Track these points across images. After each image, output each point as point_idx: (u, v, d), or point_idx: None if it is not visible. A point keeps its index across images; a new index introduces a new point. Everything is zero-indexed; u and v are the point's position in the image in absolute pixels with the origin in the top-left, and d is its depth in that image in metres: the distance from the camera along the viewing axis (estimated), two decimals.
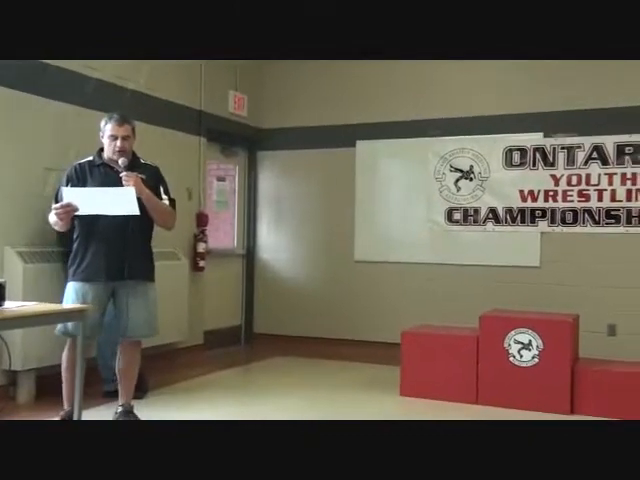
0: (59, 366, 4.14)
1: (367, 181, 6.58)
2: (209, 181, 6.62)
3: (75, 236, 3.70)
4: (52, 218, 3.60)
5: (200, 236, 6.10)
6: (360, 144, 6.58)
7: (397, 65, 6.06)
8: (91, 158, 3.75)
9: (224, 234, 6.95)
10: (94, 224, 3.60)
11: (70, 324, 3.50)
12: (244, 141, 6.97)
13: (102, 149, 3.75)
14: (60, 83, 4.68)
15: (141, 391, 4.38)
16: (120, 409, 3.76)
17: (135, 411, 3.80)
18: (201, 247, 6.09)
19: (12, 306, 3.17)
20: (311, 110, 6.75)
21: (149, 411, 3.95)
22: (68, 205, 3.48)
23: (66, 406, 3.60)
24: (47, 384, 4.27)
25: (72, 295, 3.62)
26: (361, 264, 6.57)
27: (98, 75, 4.98)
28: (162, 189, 3.79)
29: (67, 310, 3.41)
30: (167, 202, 3.78)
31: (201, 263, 6.08)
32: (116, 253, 3.63)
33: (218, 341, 6.46)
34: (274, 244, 7.00)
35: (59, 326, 3.59)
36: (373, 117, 6.49)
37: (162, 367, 5.23)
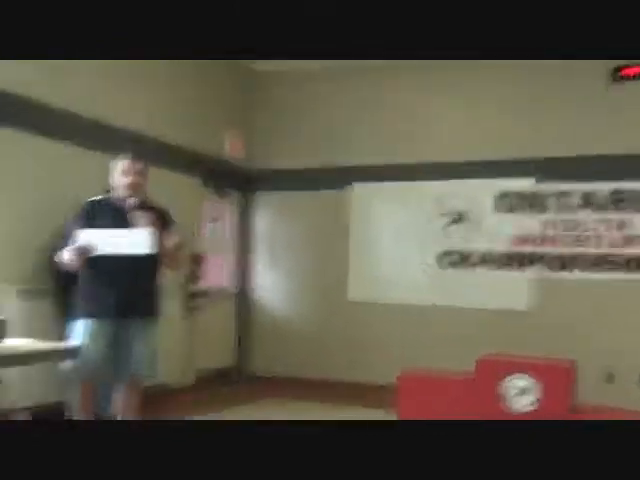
0: (54, 404, 4.09)
1: (361, 223, 6.63)
2: (204, 221, 6.63)
3: (81, 272, 3.64)
4: (65, 256, 3.55)
5: (194, 275, 6.09)
6: (356, 186, 6.64)
7: (394, 106, 6.20)
8: (99, 197, 3.76)
9: (218, 274, 6.93)
10: (104, 260, 3.57)
11: (82, 367, 3.49)
12: (238, 182, 7.01)
13: (109, 190, 3.77)
14: (56, 124, 4.70)
15: None
16: None
17: None
18: (194, 287, 6.06)
19: (11, 343, 3.13)
20: (306, 151, 6.81)
21: None
22: (84, 247, 3.49)
23: None
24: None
25: (82, 333, 3.57)
26: (354, 304, 6.56)
27: (94, 116, 5.01)
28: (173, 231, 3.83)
29: (60, 349, 3.38)
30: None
31: (194, 303, 6.05)
32: (125, 289, 3.62)
33: (210, 381, 6.38)
34: (268, 284, 6.98)
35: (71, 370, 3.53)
36: (368, 160, 6.56)
37: (154, 408, 5.14)
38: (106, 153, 4.82)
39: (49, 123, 4.64)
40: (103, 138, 5.02)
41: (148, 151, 5.47)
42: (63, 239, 3.62)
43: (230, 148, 6.67)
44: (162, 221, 3.78)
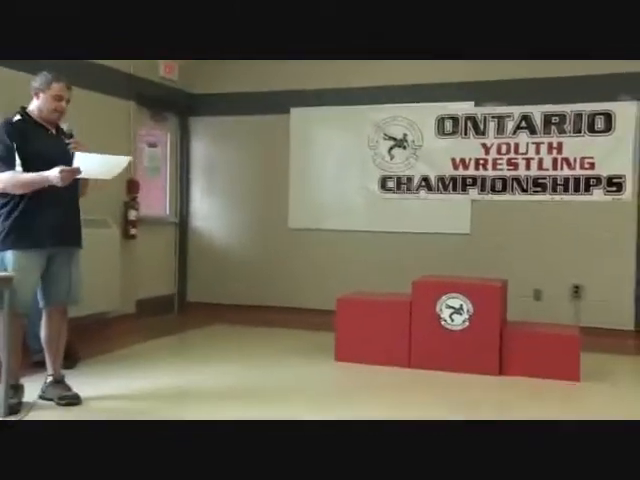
0: None
1: (301, 148, 6.56)
2: (140, 147, 6.45)
3: (10, 199, 3.44)
4: (54, 174, 3.33)
5: (131, 203, 5.97)
6: (294, 111, 6.53)
7: None
8: (19, 116, 3.52)
9: (156, 201, 6.82)
10: (40, 190, 3.41)
11: (22, 301, 3.41)
12: (175, 106, 6.81)
13: (24, 107, 3.56)
14: None
15: (71, 361, 4.28)
16: (50, 379, 3.65)
17: (66, 381, 3.70)
18: (132, 215, 5.96)
19: None
20: (245, 75, 6.63)
21: (80, 381, 3.86)
22: (77, 170, 3.36)
23: (11, 380, 3.43)
24: None
25: (16, 264, 3.43)
26: (296, 232, 6.57)
27: None
28: None
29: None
30: None
31: (132, 231, 5.96)
32: (60, 218, 3.52)
33: (151, 310, 6.37)
34: (207, 211, 6.91)
35: None
36: (307, 84, 6.44)
37: (93, 337, 5.13)
38: (28, 72, 4.60)
39: None
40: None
41: (78, 72, 5.26)
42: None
43: (164, 70, 6.43)
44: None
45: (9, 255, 3.44)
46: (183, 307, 6.91)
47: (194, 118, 6.93)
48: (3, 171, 3.39)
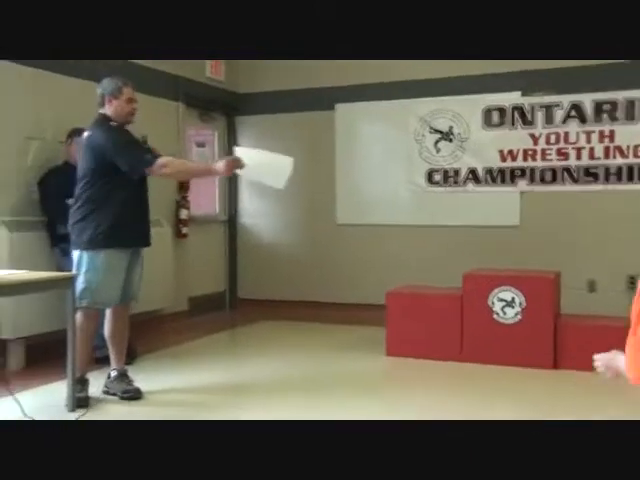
0: (48, 334, 4.16)
1: (347, 144, 6.58)
2: (188, 147, 6.57)
3: (96, 202, 3.58)
4: (220, 165, 3.56)
5: (182, 202, 6.08)
6: (339, 107, 6.56)
7: None
8: (114, 123, 3.64)
9: (206, 200, 6.93)
10: (125, 188, 3.58)
11: (100, 296, 3.56)
12: (222, 106, 6.91)
13: (102, 113, 3.68)
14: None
15: (130, 357, 4.40)
16: (114, 373, 3.79)
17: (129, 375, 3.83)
18: (183, 214, 6.08)
19: (1, 274, 3.16)
20: (289, 73, 6.68)
21: (138, 377, 3.97)
22: (239, 160, 3.54)
23: (78, 373, 3.57)
24: (37, 352, 4.29)
25: (106, 263, 3.56)
26: (343, 227, 6.60)
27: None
28: None
29: (59, 278, 3.41)
30: None
31: (184, 230, 6.08)
32: (141, 219, 3.72)
33: (203, 307, 6.49)
34: (256, 209, 6.99)
35: (82, 297, 3.54)
36: (351, 79, 6.45)
37: (148, 334, 5.26)
38: (84, 79, 4.76)
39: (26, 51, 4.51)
40: (82, 64, 4.90)
41: (128, 75, 5.39)
42: (137, 151, 3.60)
43: (210, 70, 6.53)
44: None
45: (101, 254, 3.56)
46: (234, 304, 7.01)
47: (240, 117, 7.02)
48: (155, 158, 3.54)
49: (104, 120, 3.64)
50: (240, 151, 3.59)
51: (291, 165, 3.70)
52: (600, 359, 1.94)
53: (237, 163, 3.58)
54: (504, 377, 4.28)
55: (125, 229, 3.59)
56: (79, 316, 3.54)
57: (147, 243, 3.81)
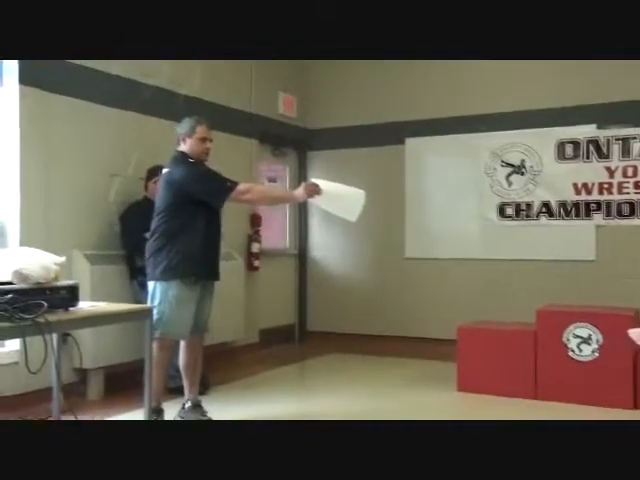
0: (126, 364, 4.29)
1: (417, 178, 6.60)
2: (260, 182, 6.72)
3: (171, 233, 3.69)
4: (273, 191, 3.74)
5: (254, 236, 6.21)
6: (409, 141, 6.60)
7: (444, 60, 6.04)
8: (191, 160, 3.78)
9: (276, 234, 7.05)
10: (199, 222, 3.69)
11: (172, 327, 3.66)
12: (294, 142, 7.06)
13: (180, 151, 3.82)
14: (119, 90, 4.84)
15: (203, 387, 4.49)
16: (189, 403, 3.88)
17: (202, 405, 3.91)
18: (255, 247, 6.20)
19: (84, 306, 3.30)
20: (359, 108, 6.79)
21: (211, 407, 4.05)
22: (318, 186, 3.68)
23: (154, 403, 3.67)
24: (115, 381, 4.44)
25: (179, 294, 3.67)
26: (412, 261, 6.59)
27: (153, 82, 5.12)
28: None
29: (137, 310, 3.53)
30: None
31: (255, 263, 6.19)
32: (213, 252, 3.81)
33: (273, 339, 6.56)
34: (325, 243, 7.07)
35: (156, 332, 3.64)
36: (421, 114, 6.50)
37: (220, 365, 5.35)
38: (165, 119, 4.97)
39: (112, 92, 4.77)
40: (163, 105, 5.14)
41: (205, 115, 5.60)
42: (217, 179, 3.71)
43: (283, 107, 6.70)
44: None
45: (173, 286, 3.67)
46: (303, 336, 7.06)
47: (311, 152, 7.15)
48: (235, 183, 3.67)
49: (182, 157, 3.78)
50: (316, 180, 3.68)
51: (364, 198, 3.76)
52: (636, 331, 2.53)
53: (315, 188, 3.68)
54: (579, 416, 4.14)
55: (197, 262, 3.68)
56: (154, 346, 3.65)
57: (216, 277, 3.88)
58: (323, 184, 3.73)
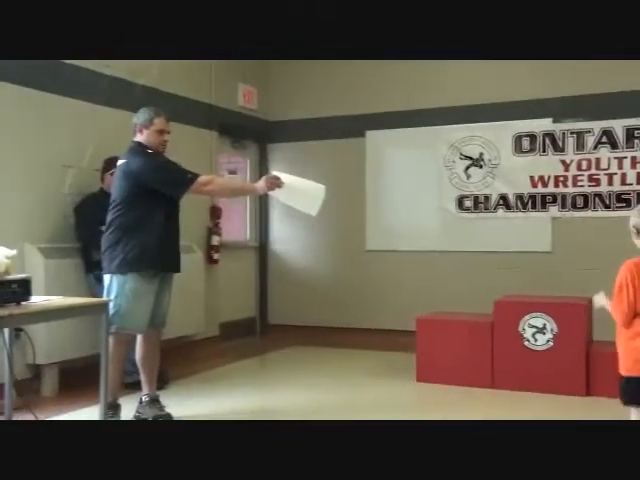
0: (82, 359, 4.23)
1: (377, 171, 6.62)
2: (220, 174, 6.67)
3: (128, 226, 3.64)
4: (261, 184, 3.69)
5: (214, 229, 6.17)
6: (370, 134, 6.62)
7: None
8: (150, 150, 3.72)
9: (237, 227, 7.02)
10: (156, 215, 3.64)
11: (129, 321, 3.61)
12: (254, 134, 7.02)
13: (137, 141, 3.76)
14: (74, 81, 4.74)
15: (162, 382, 4.44)
16: (146, 398, 3.83)
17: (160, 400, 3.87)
18: (215, 240, 6.15)
19: (38, 300, 3.24)
20: (320, 101, 6.79)
21: (170, 401, 4.01)
22: (279, 179, 3.64)
23: (110, 398, 3.61)
24: (70, 377, 4.37)
25: (135, 287, 3.62)
26: (372, 253, 6.62)
27: (110, 72, 5.03)
28: None
29: (93, 303, 3.47)
30: None
31: (215, 256, 6.15)
32: (172, 244, 3.75)
33: (234, 333, 6.53)
34: (286, 235, 7.05)
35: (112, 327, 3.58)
36: (382, 107, 6.52)
37: (180, 359, 5.31)
38: (122, 109, 4.90)
39: (67, 81, 4.68)
40: (120, 95, 5.06)
41: (163, 106, 5.53)
42: (177, 172, 3.67)
43: (243, 99, 6.66)
44: None
45: (129, 279, 3.62)
46: (264, 329, 7.05)
47: (272, 144, 7.12)
48: (196, 175, 3.63)
49: (139, 147, 3.72)
50: (278, 173, 3.67)
51: (324, 193, 3.77)
52: (597, 298, 3.05)
53: (276, 181, 3.67)
54: (534, 404, 4.23)
55: (154, 255, 3.64)
56: (110, 341, 3.61)
57: (176, 269, 3.85)
58: (284, 177, 3.72)
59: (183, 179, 3.61)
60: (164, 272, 3.77)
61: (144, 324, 3.69)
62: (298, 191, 3.72)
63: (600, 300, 3.03)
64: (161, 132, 3.74)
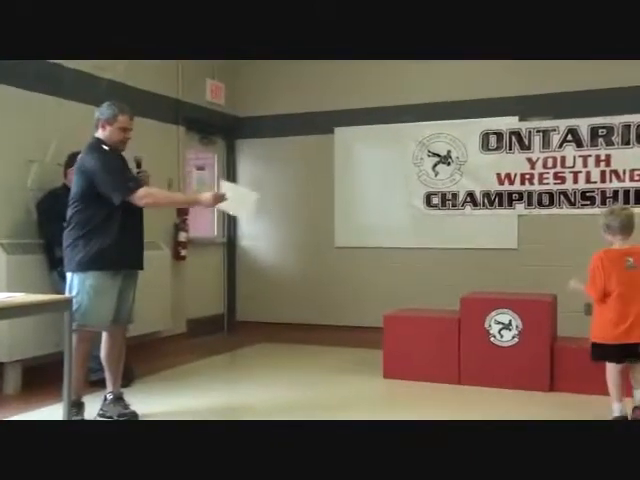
0: (45, 357, 4.17)
1: (346, 167, 6.62)
2: (188, 170, 6.61)
3: (90, 224, 3.59)
4: (204, 197, 3.63)
5: (181, 225, 6.11)
6: (338, 131, 6.62)
7: None
8: (106, 147, 3.65)
9: (204, 223, 6.96)
10: (116, 212, 3.57)
11: (91, 318, 3.56)
12: (222, 130, 6.98)
13: (97, 137, 3.69)
14: (38, 75, 4.65)
15: (127, 379, 4.39)
16: (110, 396, 3.78)
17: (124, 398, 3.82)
18: (182, 236, 6.10)
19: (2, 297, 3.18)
20: (288, 97, 6.77)
21: (136, 399, 3.96)
22: (224, 196, 3.59)
23: (74, 396, 3.55)
24: (33, 375, 4.29)
25: (97, 285, 3.57)
26: (341, 250, 6.62)
27: (75, 65, 4.95)
28: None
29: (55, 300, 3.41)
30: None
31: (183, 252, 6.10)
32: (134, 242, 3.70)
33: (201, 329, 6.49)
34: (255, 232, 7.02)
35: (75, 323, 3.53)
36: (351, 103, 6.52)
37: (146, 356, 5.25)
38: (87, 104, 4.81)
39: (31, 75, 4.58)
40: (85, 89, 4.97)
41: (129, 100, 5.46)
42: (122, 178, 3.59)
43: (211, 95, 6.61)
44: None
45: (90, 276, 3.57)
46: (232, 326, 7.01)
47: (240, 140, 7.08)
48: (137, 186, 3.56)
49: (97, 144, 3.66)
50: (225, 185, 3.66)
51: (255, 198, 3.80)
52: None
53: (222, 198, 3.62)
54: (500, 400, 4.27)
55: (115, 252, 3.58)
56: (73, 338, 3.56)
57: (139, 266, 3.80)
58: (229, 188, 3.70)
59: (123, 187, 3.55)
60: (127, 269, 3.71)
61: (106, 321, 3.64)
62: (235, 198, 3.72)
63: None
64: (124, 130, 3.67)
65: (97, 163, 3.56)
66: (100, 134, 3.69)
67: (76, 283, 3.58)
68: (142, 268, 3.83)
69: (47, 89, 4.72)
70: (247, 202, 3.83)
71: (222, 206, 3.73)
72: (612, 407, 3.67)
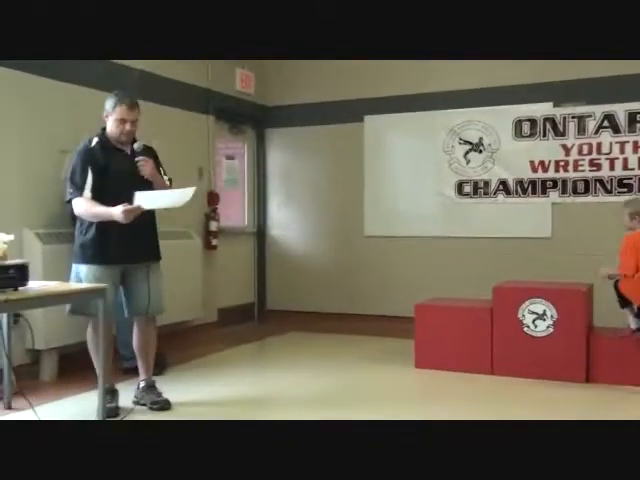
0: (80, 344, 4.21)
1: (376, 156, 6.58)
2: (218, 160, 6.63)
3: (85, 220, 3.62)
4: (117, 212, 3.45)
5: (212, 215, 6.13)
6: (368, 119, 6.57)
7: None
8: (97, 139, 3.65)
9: (235, 212, 6.98)
10: (112, 205, 3.52)
11: (83, 306, 3.57)
12: (252, 119, 6.97)
13: (104, 128, 3.69)
14: (71, 65, 4.67)
15: (160, 368, 4.44)
16: (143, 384, 3.81)
17: (157, 386, 3.85)
18: (213, 226, 6.12)
19: (35, 286, 3.21)
20: (318, 86, 6.73)
21: (169, 387, 4.00)
22: (138, 207, 3.47)
23: (107, 384, 3.58)
24: (69, 362, 4.36)
25: (88, 278, 3.60)
26: (371, 239, 6.59)
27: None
28: (162, 170, 3.80)
29: (89, 289, 3.44)
30: (168, 182, 3.79)
31: (214, 242, 6.12)
32: (133, 236, 3.62)
33: (232, 318, 6.52)
34: (284, 221, 7.03)
35: (70, 307, 3.62)
36: (381, 91, 6.47)
37: (178, 344, 5.29)
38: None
39: (63, 65, 4.60)
40: (116, 79, 4.99)
41: (158, 89, 5.48)
42: (71, 184, 3.60)
43: (240, 84, 6.60)
44: (153, 159, 3.75)
45: (83, 269, 3.61)
46: (263, 315, 7.03)
47: (270, 129, 7.07)
48: (74, 196, 3.56)
49: (90, 139, 3.66)
50: (139, 197, 3.51)
51: (192, 193, 3.56)
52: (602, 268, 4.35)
53: (136, 211, 3.48)
54: (534, 390, 4.22)
55: (108, 246, 3.58)
56: (88, 327, 3.62)
57: (145, 259, 3.74)
58: (147, 197, 3.51)
59: (66, 193, 3.62)
60: (125, 264, 3.67)
61: (96, 310, 3.56)
62: (164, 200, 3.62)
63: (604, 270, 4.32)
64: (122, 121, 3.58)
65: (73, 159, 3.65)
66: (106, 126, 3.67)
67: (74, 273, 3.66)
68: (151, 260, 3.77)
69: (80, 80, 4.75)
70: (183, 197, 3.58)
71: (150, 206, 3.57)
72: None
